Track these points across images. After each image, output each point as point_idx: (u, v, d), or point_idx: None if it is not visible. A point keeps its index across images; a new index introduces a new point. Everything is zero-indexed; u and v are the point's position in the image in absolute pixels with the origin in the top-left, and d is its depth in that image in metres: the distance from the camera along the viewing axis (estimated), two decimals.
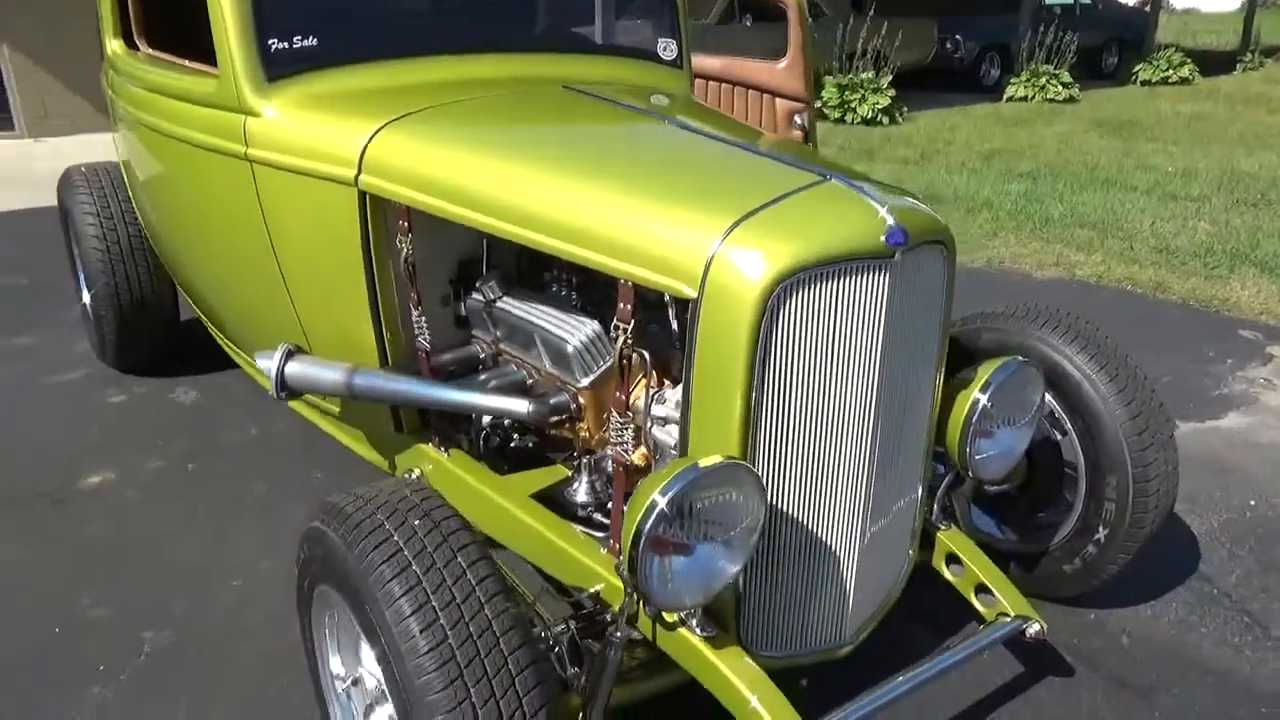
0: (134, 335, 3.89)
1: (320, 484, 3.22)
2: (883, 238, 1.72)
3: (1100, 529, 2.35)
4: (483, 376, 2.48)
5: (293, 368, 2.33)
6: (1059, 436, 2.43)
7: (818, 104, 10.60)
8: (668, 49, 3.14)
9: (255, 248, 2.62)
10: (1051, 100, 12.58)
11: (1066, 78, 12.77)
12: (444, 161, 2.15)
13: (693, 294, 1.73)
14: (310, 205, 2.41)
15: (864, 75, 10.56)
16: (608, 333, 2.10)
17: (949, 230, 1.93)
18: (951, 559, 2.22)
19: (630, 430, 2.02)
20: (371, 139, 2.27)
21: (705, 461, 1.64)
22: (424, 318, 2.38)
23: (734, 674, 1.78)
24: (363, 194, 2.29)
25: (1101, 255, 5.66)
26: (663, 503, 1.57)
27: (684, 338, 1.78)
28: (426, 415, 2.57)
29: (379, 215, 2.33)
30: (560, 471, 2.35)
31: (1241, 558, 2.83)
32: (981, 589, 2.15)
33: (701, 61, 4.11)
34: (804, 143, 4.08)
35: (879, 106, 10.33)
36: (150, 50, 3.23)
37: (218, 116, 2.56)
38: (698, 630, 1.83)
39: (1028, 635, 2.08)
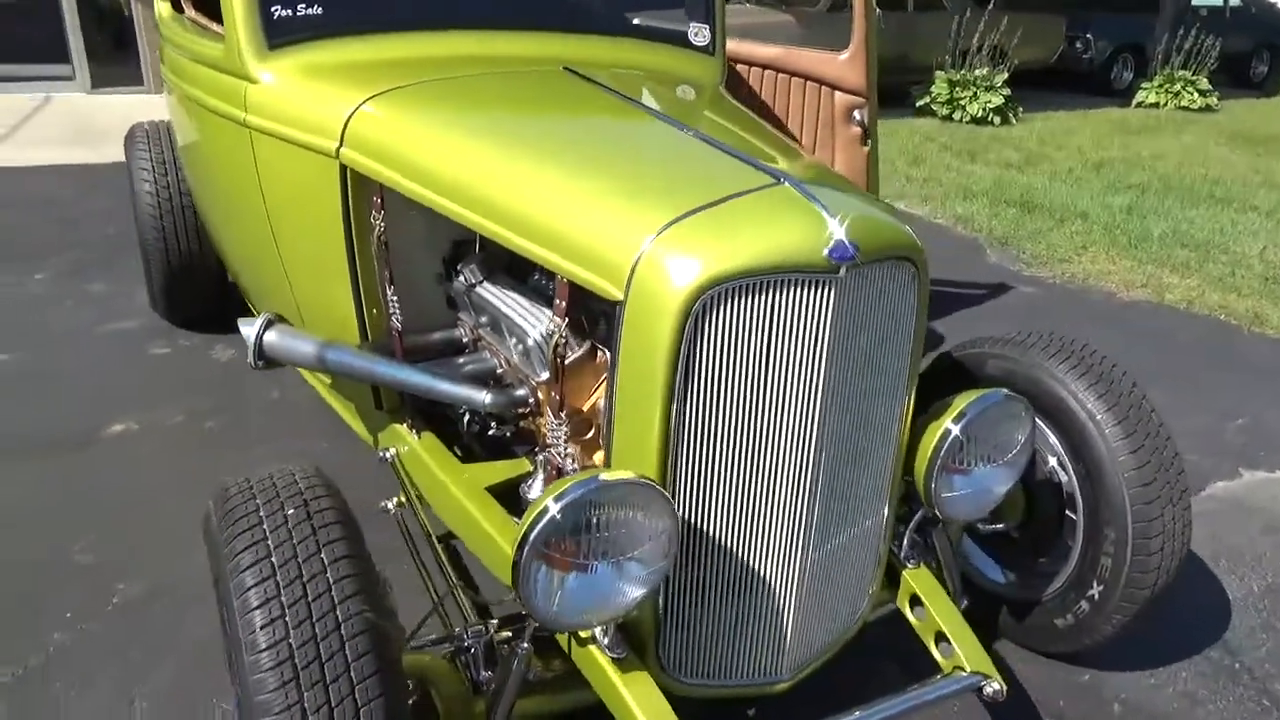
0: (180, 290, 4.00)
1: (323, 453, 3.25)
2: (825, 251, 1.58)
3: (1095, 584, 2.14)
4: (460, 360, 2.44)
5: (270, 337, 2.32)
6: (1063, 478, 2.22)
7: (925, 99, 10.19)
8: (699, 34, 3.01)
9: (254, 215, 2.63)
10: (1185, 109, 11.75)
11: (1205, 85, 11.90)
12: (408, 138, 2.09)
13: (619, 295, 1.63)
14: (298, 175, 2.40)
15: (978, 72, 10.07)
16: (578, 328, 2.01)
17: (918, 247, 1.76)
18: (916, 601, 2.05)
19: (563, 432, 1.94)
20: (354, 112, 2.24)
21: (609, 475, 1.54)
22: (396, 296, 2.34)
23: (634, 700, 1.68)
24: (344, 167, 2.26)
25: (1198, 279, 5.23)
26: (554, 510, 1.48)
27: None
28: (405, 395, 2.54)
29: (360, 189, 2.29)
30: (523, 465, 2.29)
31: (1277, 630, 2.55)
32: (942, 637, 1.98)
33: (756, 50, 3.95)
34: (863, 143, 3.89)
35: (990, 105, 9.84)
36: (193, 14, 3.29)
37: (223, 81, 2.57)
38: (606, 649, 1.74)
39: (985, 693, 1.90)
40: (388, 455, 2.51)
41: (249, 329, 2.33)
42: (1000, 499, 2.00)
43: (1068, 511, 2.22)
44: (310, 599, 1.37)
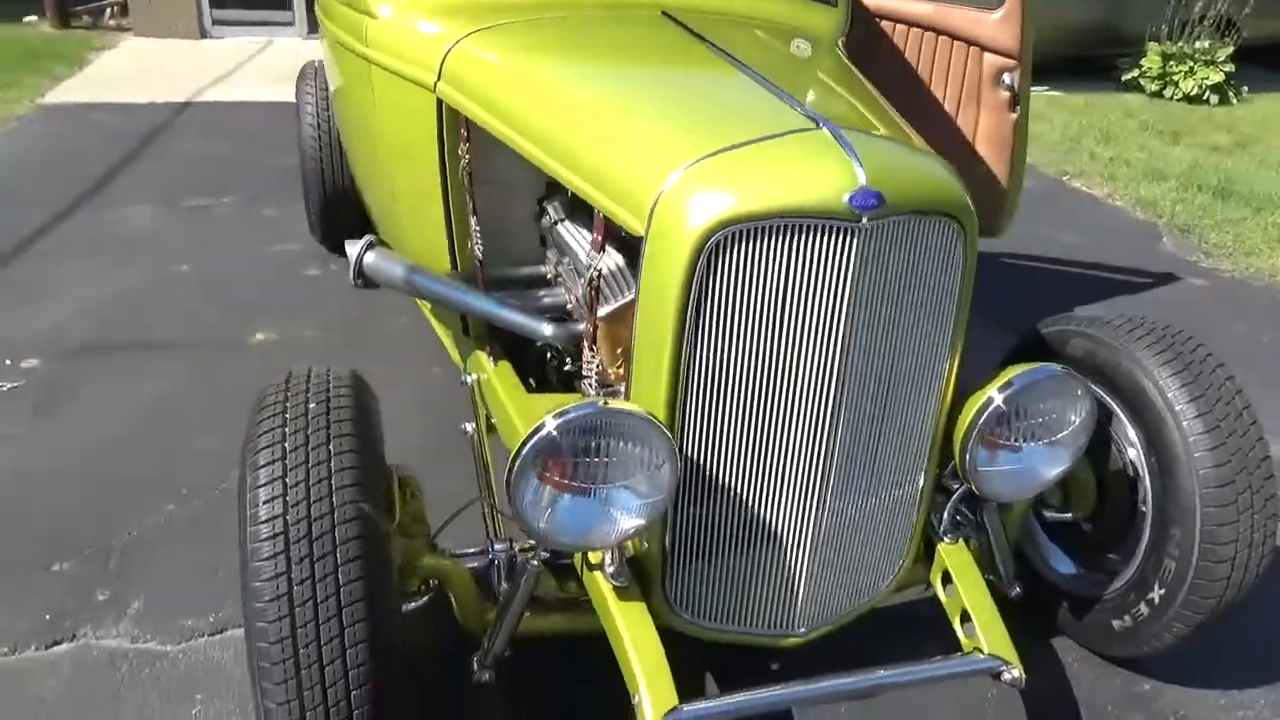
0: (332, 219, 4.30)
1: (433, 376, 3.45)
2: (847, 198, 1.53)
3: (1156, 587, 1.99)
4: (540, 293, 2.53)
5: (369, 258, 2.49)
6: (1141, 470, 2.06)
7: (1133, 73, 9.38)
8: None
9: (371, 145, 2.81)
10: None
11: None
12: (489, 74, 2.18)
13: (641, 230, 1.65)
14: (404, 107, 2.54)
15: (1198, 44, 9.15)
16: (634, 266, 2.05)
17: (964, 205, 1.68)
18: (948, 578, 1.98)
19: (596, 365, 1.99)
20: (452, 48, 2.34)
21: (613, 404, 1.58)
22: (480, 228, 2.45)
23: (625, 629, 1.73)
24: (440, 100, 2.37)
25: None
26: (552, 427, 1.53)
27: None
28: (489, 325, 2.66)
29: (453, 123, 2.40)
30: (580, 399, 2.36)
31: None
32: (967, 617, 1.91)
33: (904, 6, 3.78)
34: (1011, 108, 3.67)
35: (1207, 82, 8.91)
36: None
37: (350, 17, 2.74)
38: (610, 577, 1.79)
39: (1003, 679, 1.82)
40: (469, 380, 2.65)
41: (352, 249, 2.51)
42: (1047, 483, 1.88)
43: (1141, 507, 2.07)
44: (311, 483, 1.49)
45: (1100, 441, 2.11)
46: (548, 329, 2.24)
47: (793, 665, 2.12)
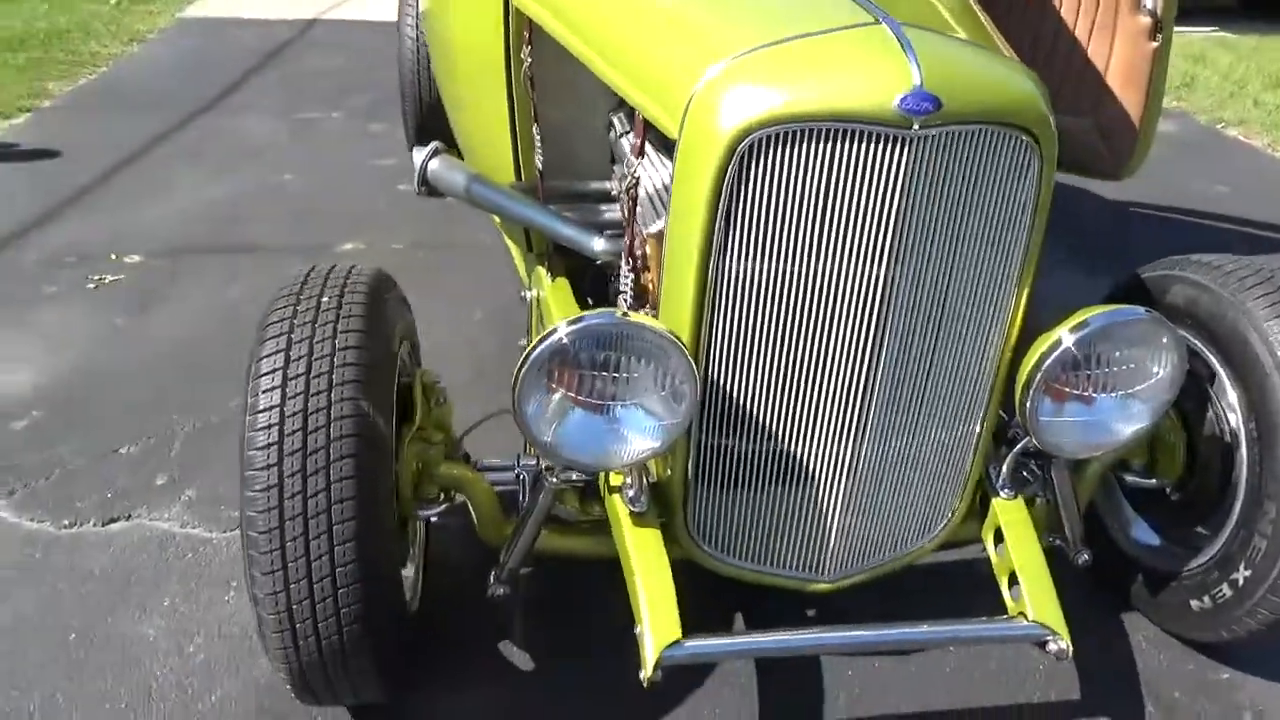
0: (425, 133, 4.30)
1: (509, 297, 3.41)
2: (895, 101, 1.37)
3: (1242, 567, 1.77)
4: (602, 208, 2.43)
5: (434, 165, 2.44)
6: (1240, 437, 1.83)
7: None
8: None
9: (447, 53, 2.75)
10: None
11: None
12: None
13: (675, 133, 1.53)
14: (473, 11, 2.46)
15: None
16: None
17: (1040, 116, 1.48)
18: (999, 535, 1.81)
19: (631, 280, 1.88)
20: None
21: (633, 317, 1.48)
22: (541, 137, 2.36)
23: (636, 557, 1.65)
24: (506, 3, 2.28)
25: None
26: (564, 333, 1.45)
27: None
28: (550, 240, 2.59)
29: (519, 27, 2.31)
30: None
31: None
32: (1016, 579, 1.74)
33: None
34: (1150, 37, 3.30)
35: None
36: None
37: None
38: (628, 501, 1.71)
39: (1048, 649, 1.66)
40: (527, 296, 2.59)
41: (418, 155, 2.46)
42: (1121, 442, 1.69)
43: (1235, 477, 1.84)
44: (311, 375, 1.46)
45: (1196, 402, 1.88)
46: (599, 245, 2.14)
47: (827, 616, 2.01)
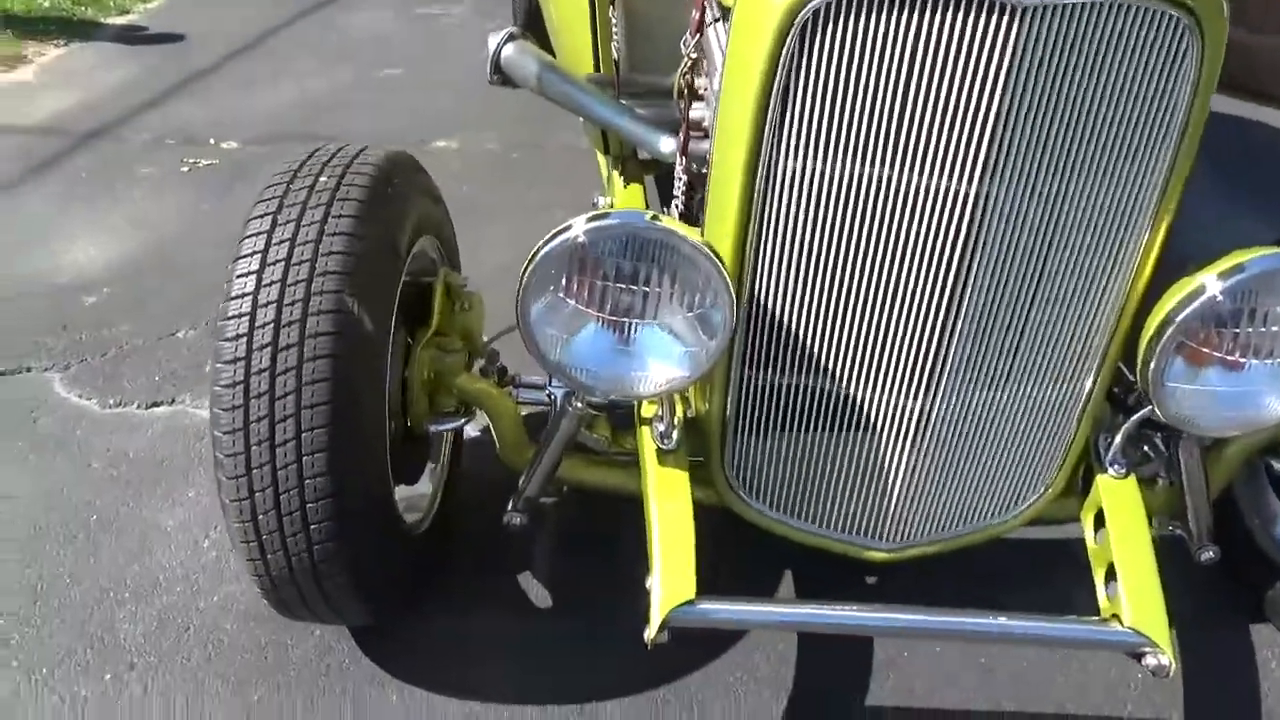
0: (532, 29, 4.09)
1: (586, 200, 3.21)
2: None
3: None
4: (682, 105, 2.17)
5: (508, 51, 2.23)
6: None
7: None
8: None
9: None
10: None
11: None
12: None
13: (730, 1, 1.26)
14: None
15: None
16: None
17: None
18: (1100, 518, 1.51)
19: (684, 182, 1.63)
20: None
21: (663, 220, 1.25)
22: (619, 26, 2.11)
23: (656, 499, 1.44)
24: None
25: None
26: (580, 230, 1.23)
27: None
28: (627, 144, 2.36)
29: None
30: None
31: None
32: (1113, 575, 1.45)
33: None
34: None
35: None
36: None
37: None
38: (656, 436, 1.50)
39: (1144, 661, 1.37)
40: (598, 202, 2.38)
41: (492, 40, 2.25)
42: (1271, 421, 1.35)
43: None
44: (291, 262, 1.29)
45: None
46: (668, 145, 1.89)
47: (885, 592, 1.76)
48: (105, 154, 3.45)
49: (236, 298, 1.28)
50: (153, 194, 3.17)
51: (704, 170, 1.66)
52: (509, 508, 1.63)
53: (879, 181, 1.23)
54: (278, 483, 1.27)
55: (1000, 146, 1.17)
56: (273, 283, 1.27)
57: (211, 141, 3.55)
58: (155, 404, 2.21)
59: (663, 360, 1.31)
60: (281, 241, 1.30)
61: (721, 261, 1.24)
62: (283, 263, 1.29)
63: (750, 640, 1.69)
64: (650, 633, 1.33)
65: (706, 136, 1.85)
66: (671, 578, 1.36)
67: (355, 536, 1.34)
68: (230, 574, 1.77)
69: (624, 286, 1.25)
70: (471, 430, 2.10)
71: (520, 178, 3.38)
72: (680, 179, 1.66)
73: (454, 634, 1.68)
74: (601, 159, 2.67)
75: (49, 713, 1.53)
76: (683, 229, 1.23)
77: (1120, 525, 1.47)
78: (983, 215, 1.21)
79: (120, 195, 3.15)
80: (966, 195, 1.20)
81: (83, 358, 2.36)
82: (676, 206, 1.70)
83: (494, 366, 1.79)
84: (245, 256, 1.31)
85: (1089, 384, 1.45)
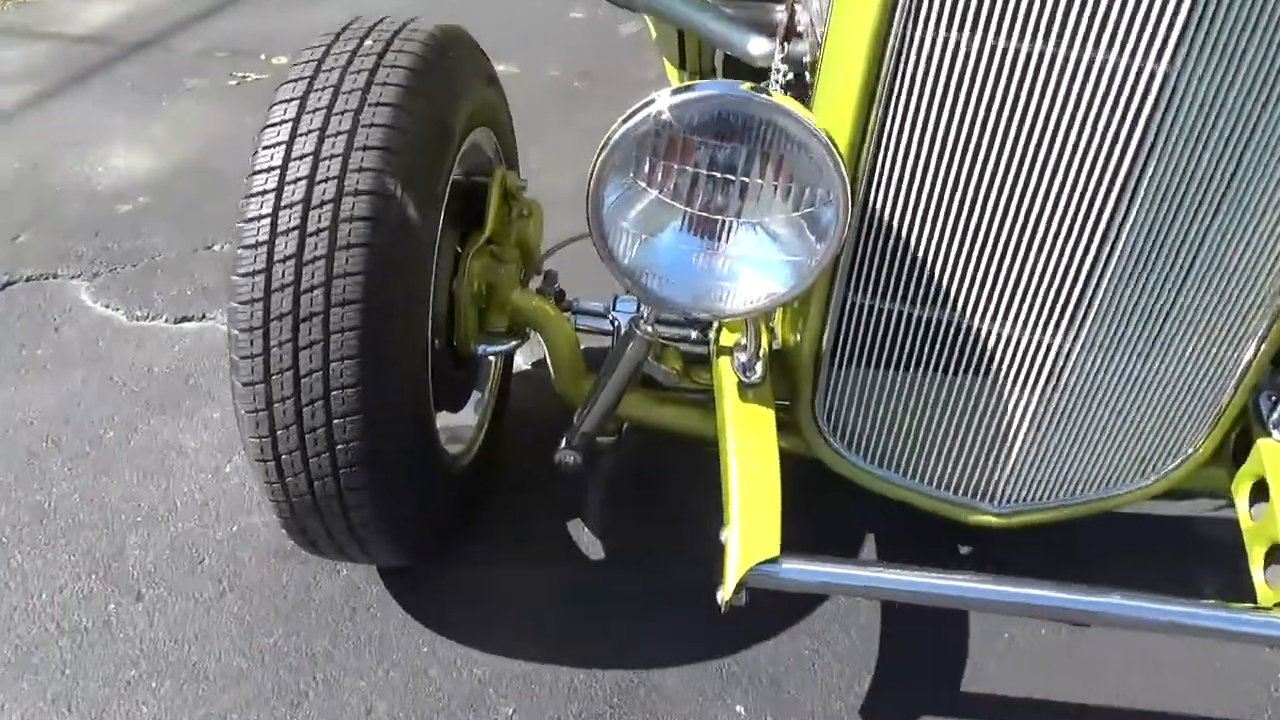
0: None
1: None
2: None
3: None
4: (779, 8, 1.93)
5: None
6: None
7: None
8: None
9: None
10: None
11: None
12: None
13: None
14: None
15: None
16: None
17: None
18: (1260, 490, 1.27)
19: (783, 75, 1.40)
20: None
21: (775, 96, 1.02)
22: None
23: (736, 439, 1.23)
24: None
25: None
26: (665, 103, 1.02)
27: None
28: (705, 59, 2.14)
29: None
30: None
31: None
32: (1275, 557, 1.21)
33: None
34: None
35: None
36: None
37: None
38: (738, 368, 1.29)
39: None
40: None
41: None
42: None
43: None
44: (326, 134, 1.09)
45: None
46: (757, 45, 1.66)
47: (984, 562, 1.54)
48: (153, 65, 3.29)
49: (262, 173, 1.09)
50: (198, 106, 3.01)
51: (803, 73, 1.43)
52: (561, 445, 1.44)
53: (1040, 58, 0.99)
54: (300, 392, 1.08)
55: (1204, 12, 0.93)
56: (304, 155, 1.08)
57: (262, 56, 3.38)
58: (185, 319, 2.05)
59: (759, 270, 1.10)
60: (317, 109, 1.11)
61: (838, 149, 1.02)
62: (316, 133, 1.09)
63: (826, 609, 1.49)
64: (725, 593, 1.13)
65: (804, 37, 1.61)
66: (752, 531, 1.15)
67: (388, 462, 1.16)
68: (252, 503, 1.61)
69: (718, 175, 1.04)
70: (522, 362, 1.92)
71: (581, 106, 3.17)
72: (779, 69, 1.43)
73: (495, 583, 1.49)
74: (674, 76, 2.44)
75: (40, 644, 1.37)
76: (792, 104, 1.01)
77: None
78: (1170, 101, 0.97)
79: (165, 106, 2.99)
80: (1154, 74, 0.96)
81: (112, 267, 2.21)
82: None
83: (551, 288, 1.59)
84: (275, 125, 1.11)
85: (1257, 339, 1.21)
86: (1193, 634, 1.31)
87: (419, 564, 1.46)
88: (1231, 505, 1.33)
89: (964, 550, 1.58)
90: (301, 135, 1.09)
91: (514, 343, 1.47)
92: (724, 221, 1.07)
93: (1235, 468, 1.33)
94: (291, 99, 1.13)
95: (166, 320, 2.05)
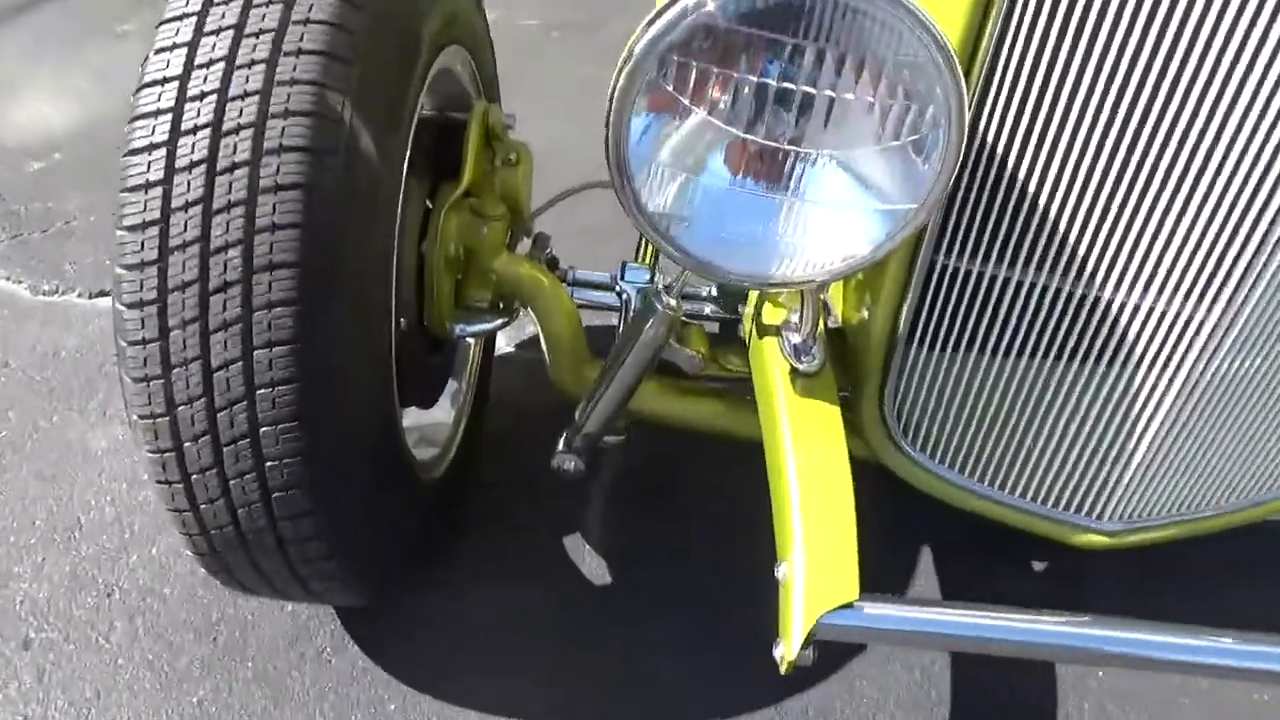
0: None
1: None
2: None
3: None
4: None
5: None
6: None
7: None
8: None
9: None
10: None
11: None
12: None
13: None
14: None
15: None
16: None
17: None
18: None
19: None
20: None
21: None
22: None
23: (795, 447, 0.95)
24: None
25: None
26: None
27: None
28: None
29: None
30: None
31: None
32: None
33: None
34: None
35: None
36: None
37: None
38: (790, 353, 1.01)
39: None
40: None
41: None
42: None
43: None
44: (245, 33, 0.78)
45: None
46: None
47: (1065, 590, 1.29)
48: (80, 8, 2.93)
49: (153, 84, 0.78)
50: (129, 55, 2.65)
51: None
52: (560, 447, 1.15)
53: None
54: (213, 392, 0.79)
55: None
56: (212, 62, 0.77)
57: None
58: (102, 293, 1.73)
59: (836, 222, 0.82)
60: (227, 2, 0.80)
61: (951, 46, 0.73)
62: (230, 31, 0.79)
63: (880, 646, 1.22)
64: (788, 650, 0.86)
65: None
66: (823, 567, 0.88)
67: (339, 481, 0.87)
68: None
69: (788, 87, 0.75)
70: (504, 344, 1.62)
71: (559, 61, 2.86)
72: None
73: (478, 618, 1.21)
74: None
75: None
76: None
77: None
78: None
79: (92, 54, 2.64)
80: None
81: (18, 233, 1.88)
82: None
83: (541, 254, 1.30)
84: (173, 20, 0.81)
85: None
86: None
87: (373, 602, 1.17)
88: None
89: (1038, 567, 1.32)
90: (209, 34, 0.78)
91: (499, 321, 1.18)
92: (794, 154, 0.79)
93: None
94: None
95: (80, 295, 1.73)
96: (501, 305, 1.19)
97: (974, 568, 1.31)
